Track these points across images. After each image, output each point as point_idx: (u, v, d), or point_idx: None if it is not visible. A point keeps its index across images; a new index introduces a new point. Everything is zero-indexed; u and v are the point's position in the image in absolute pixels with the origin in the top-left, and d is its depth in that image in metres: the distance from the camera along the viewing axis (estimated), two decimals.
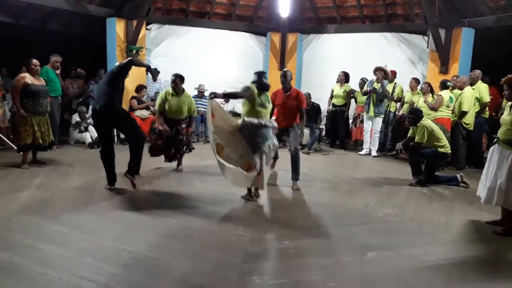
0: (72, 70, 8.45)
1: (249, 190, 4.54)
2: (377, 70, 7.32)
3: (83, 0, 8.14)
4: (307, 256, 3.22)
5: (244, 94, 4.35)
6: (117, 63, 4.89)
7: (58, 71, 6.98)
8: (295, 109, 5.14)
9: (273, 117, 5.20)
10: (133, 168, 4.72)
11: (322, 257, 3.21)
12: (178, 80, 5.59)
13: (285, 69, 5.37)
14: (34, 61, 5.61)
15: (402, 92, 7.84)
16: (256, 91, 4.37)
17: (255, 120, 4.30)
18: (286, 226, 3.85)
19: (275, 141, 4.50)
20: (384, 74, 7.33)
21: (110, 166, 4.67)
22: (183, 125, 5.70)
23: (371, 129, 7.61)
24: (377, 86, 7.33)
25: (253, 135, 4.29)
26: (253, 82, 4.41)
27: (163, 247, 3.24)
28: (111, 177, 4.69)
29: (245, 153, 4.33)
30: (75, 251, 3.09)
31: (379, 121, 7.53)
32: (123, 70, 4.59)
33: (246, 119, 4.33)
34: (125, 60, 4.64)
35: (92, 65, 8.80)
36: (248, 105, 4.37)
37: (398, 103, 7.80)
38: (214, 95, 4.26)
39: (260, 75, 4.49)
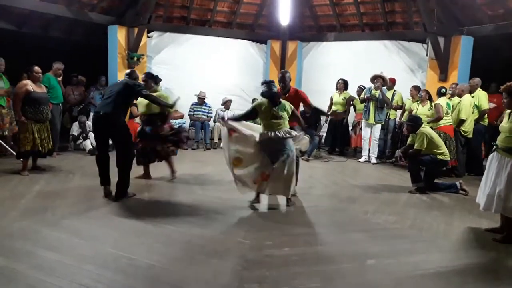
0: (73, 77, 8.49)
1: (257, 194, 4.62)
2: (376, 78, 7.36)
3: (85, 8, 8.21)
4: (307, 263, 3.22)
5: (250, 114, 4.55)
6: (140, 82, 5.09)
7: (60, 78, 7.03)
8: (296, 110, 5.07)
9: None
10: (119, 192, 4.63)
11: (322, 264, 3.21)
12: (145, 78, 5.50)
13: (283, 70, 5.24)
14: (36, 68, 5.65)
15: (402, 99, 7.87)
16: (264, 104, 4.41)
17: (271, 133, 4.35)
18: (286, 233, 3.86)
19: (293, 151, 4.44)
20: (383, 81, 7.37)
21: (104, 169, 4.68)
22: (159, 124, 5.58)
23: (370, 136, 7.63)
24: (376, 93, 7.36)
25: (270, 148, 4.37)
26: (262, 94, 4.45)
27: (162, 254, 3.24)
28: (105, 179, 4.68)
29: (262, 164, 4.43)
30: (75, 258, 3.09)
31: (378, 128, 7.55)
32: (139, 94, 4.73)
33: (263, 132, 4.42)
34: (146, 92, 4.76)
35: (94, 72, 8.85)
36: (261, 119, 4.47)
37: (399, 111, 7.82)
38: (223, 120, 4.55)
39: (270, 86, 4.44)
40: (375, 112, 7.43)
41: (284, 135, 4.37)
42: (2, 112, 6.25)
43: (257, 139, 4.44)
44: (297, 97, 5.07)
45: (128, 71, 5.15)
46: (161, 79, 8.72)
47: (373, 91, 7.40)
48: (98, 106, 4.82)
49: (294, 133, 4.49)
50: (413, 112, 6.83)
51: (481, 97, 6.70)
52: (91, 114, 8.30)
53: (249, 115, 4.65)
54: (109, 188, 4.68)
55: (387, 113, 7.69)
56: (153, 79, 5.56)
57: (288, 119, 4.50)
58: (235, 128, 4.49)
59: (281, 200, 4.83)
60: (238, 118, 4.74)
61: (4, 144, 6.56)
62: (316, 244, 3.66)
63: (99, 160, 4.67)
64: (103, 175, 4.68)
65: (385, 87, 7.51)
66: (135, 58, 8.65)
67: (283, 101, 4.52)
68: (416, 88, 7.52)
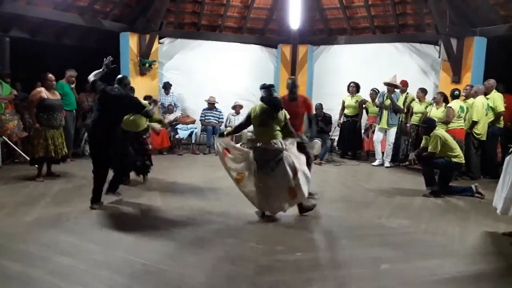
0: (87, 84, 8.60)
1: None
2: (387, 85, 7.34)
3: (98, 16, 8.35)
4: (320, 268, 3.20)
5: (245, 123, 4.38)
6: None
7: (73, 85, 7.14)
8: (301, 116, 4.99)
9: None
10: (111, 186, 4.73)
11: (335, 269, 3.18)
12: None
13: (291, 77, 5.10)
14: (50, 76, 5.76)
15: (413, 101, 7.79)
16: (255, 110, 4.21)
17: (258, 144, 4.15)
18: (298, 238, 3.83)
19: (282, 163, 4.09)
20: (395, 87, 7.33)
21: (100, 185, 4.55)
22: (145, 136, 5.65)
23: (382, 140, 7.57)
24: (386, 102, 7.36)
25: (256, 158, 4.19)
26: (261, 99, 4.20)
27: (175, 259, 3.25)
28: (97, 196, 4.54)
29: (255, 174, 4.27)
30: (89, 263, 3.13)
31: (392, 132, 7.48)
32: (139, 110, 4.76)
33: (254, 139, 4.26)
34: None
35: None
36: (253, 125, 4.30)
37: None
38: (221, 135, 4.49)
39: (269, 90, 4.17)
40: (388, 117, 7.38)
41: (271, 145, 4.07)
42: (1, 118, 6.33)
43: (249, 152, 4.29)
44: (305, 105, 5.03)
45: (119, 76, 4.90)
46: (171, 84, 8.88)
47: (385, 101, 7.37)
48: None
49: (284, 143, 4.14)
50: (428, 115, 6.75)
51: (497, 99, 6.59)
52: None
53: (245, 125, 4.43)
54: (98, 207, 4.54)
55: (400, 117, 7.63)
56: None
57: (280, 129, 4.20)
58: (229, 147, 4.37)
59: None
60: (235, 130, 4.69)
61: (18, 150, 6.67)
62: (329, 248, 3.63)
63: (97, 175, 4.55)
64: (97, 191, 4.54)
65: (398, 90, 7.44)
66: (147, 65, 8.74)
67: (281, 111, 4.21)
68: (423, 91, 7.45)
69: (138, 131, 5.52)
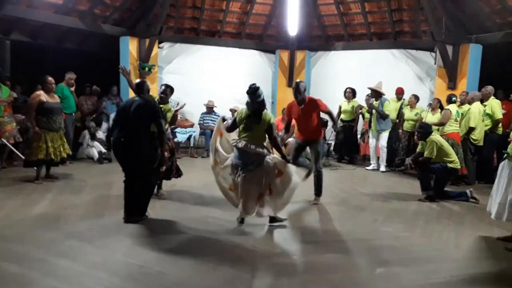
0: (86, 87, 8.64)
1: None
2: (371, 90, 7.46)
3: (98, 20, 8.40)
4: (317, 271, 3.23)
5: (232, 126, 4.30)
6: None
7: (72, 88, 7.16)
8: (316, 118, 4.98)
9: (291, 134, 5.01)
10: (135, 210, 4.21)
11: (331, 272, 3.22)
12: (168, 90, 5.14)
13: (298, 81, 5.00)
14: (49, 79, 5.79)
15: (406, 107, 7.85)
16: (241, 112, 4.16)
17: (239, 144, 4.06)
18: (295, 242, 3.87)
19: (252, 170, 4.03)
20: (375, 93, 7.40)
21: (128, 198, 4.21)
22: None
23: (377, 145, 7.64)
24: (376, 103, 7.42)
25: (236, 159, 4.11)
26: (246, 104, 4.12)
27: (173, 262, 3.28)
28: (127, 209, 4.20)
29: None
30: (86, 265, 3.15)
31: (384, 136, 7.54)
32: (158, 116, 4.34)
33: (235, 139, 4.19)
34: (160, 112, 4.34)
35: (106, 82, 9.00)
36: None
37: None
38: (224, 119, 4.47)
39: (254, 95, 4.01)
40: (376, 122, 7.46)
41: (249, 150, 3.99)
42: (0, 121, 6.32)
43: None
44: (315, 106, 4.95)
45: (138, 81, 4.54)
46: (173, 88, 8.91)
47: (374, 103, 7.46)
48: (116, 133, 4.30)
49: (265, 150, 4.08)
50: (423, 120, 6.81)
51: (495, 106, 6.58)
52: (104, 124, 8.44)
53: (232, 127, 4.32)
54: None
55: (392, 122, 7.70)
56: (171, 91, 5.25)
57: (262, 138, 4.10)
58: (220, 158, 4.32)
59: (290, 208, 4.85)
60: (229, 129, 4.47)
61: (18, 153, 6.68)
62: (325, 252, 3.66)
63: (126, 186, 4.22)
64: (126, 204, 4.20)
65: (384, 96, 7.47)
66: (147, 69, 8.80)
67: (266, 119, 4.04)
68: (415, 97, 7.53)
69: None
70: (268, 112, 4.15)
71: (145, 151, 4.09)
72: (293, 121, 5.22)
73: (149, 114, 4.13)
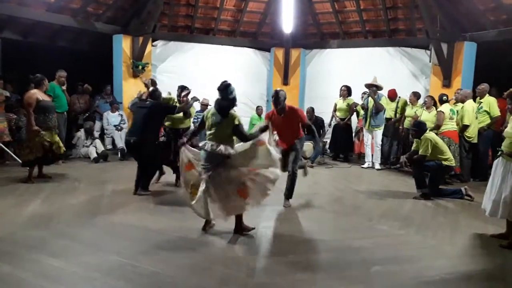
0: (78, 85, 8.57)
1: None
2: (370, 86, 7.44)
3: (91, 18, 8.33)
4: (312, 270, 3.22)
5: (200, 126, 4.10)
6: (163, 102, 5.53)
7: (64, 87, 7.06)
8: (296, 127, 4.87)
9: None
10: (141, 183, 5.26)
11: (326, 271, 3.20)
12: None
13: (277, 89, 4.78)
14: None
15: (406, 104, 7.86)
16: (209, 111, 3.92)
17: (205, 147, 3.79)
18: (290, 240, 3.85)
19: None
20: (376, 88, 7.40)
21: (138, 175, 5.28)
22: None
23: (372, 142, 7.64)
24: (371, 105, 7.45)
25: (203, 161, 3.84)
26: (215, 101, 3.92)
27: (167, 262, 3.25)
28: (136, 183, 5.26)
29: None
30: (79, 266, 3.11)
31: (378, 133, 7.55)
32: (171, 111, 5.40)
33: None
34: (172, 107, 5.48)
35: (99, 80, 8.93)
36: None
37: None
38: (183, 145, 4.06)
39: (223, 92, 3.83)
40: (370, 118, 7.46)
41: (207, 148, 3.75)
42: None
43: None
44: (296, 116, 4.81)
45: (151, 89, 5.58)
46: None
47: (369, 102, 7.46)
48: (127, 134, 5.57)
49: (230, 149, 3.78)
50: (419, 118, 6.81)
51: (492, 103, 6.58)
52: (97, 122, 8.38)
53: (200, 127, 4.11)
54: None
55: (387, 118, 7.70)
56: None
57: (228, 138, 3.81)
58: (193, 162, 3.96)
59: (285, 207, 4.83)
60: (193, 134, 4.37)
61: (10, 152, 6.61)
62: (320, 251, 3.65)
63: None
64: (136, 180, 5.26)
65: (380, 92, 7.49)
66: (140, 67, 8.74)
67: (233, 118, 3.79)
68: (415, 95, 7.52)
69: (178, 128, 5.81)
70: (235, 113, 3.86)
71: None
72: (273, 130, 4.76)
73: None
